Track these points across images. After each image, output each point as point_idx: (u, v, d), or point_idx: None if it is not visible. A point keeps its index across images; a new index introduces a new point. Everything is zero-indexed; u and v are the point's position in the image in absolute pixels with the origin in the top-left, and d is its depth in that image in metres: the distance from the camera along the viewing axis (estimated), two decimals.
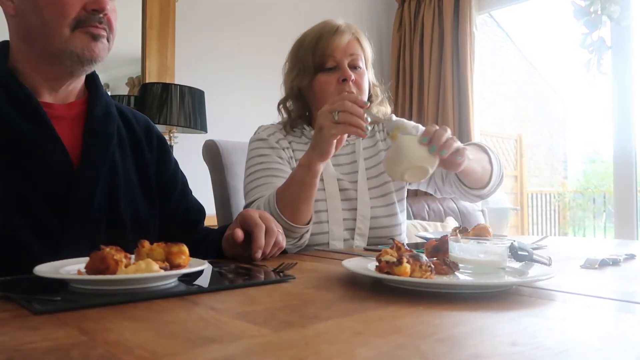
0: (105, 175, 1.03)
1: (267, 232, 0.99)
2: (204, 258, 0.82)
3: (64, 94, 1.05)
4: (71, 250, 0.89)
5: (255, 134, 1.54)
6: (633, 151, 2.78)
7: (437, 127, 1.05)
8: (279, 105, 1.59)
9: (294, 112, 1.53)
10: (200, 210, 1.28)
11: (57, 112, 1.01)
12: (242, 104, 3.03)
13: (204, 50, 2.94)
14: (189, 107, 2.46)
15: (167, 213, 1.18)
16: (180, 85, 2.47)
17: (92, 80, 1.10)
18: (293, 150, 1.48)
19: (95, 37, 0.98)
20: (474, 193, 1.42)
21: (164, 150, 1.22)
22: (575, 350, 0.46)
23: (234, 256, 1.05)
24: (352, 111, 1.11)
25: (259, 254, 0.97)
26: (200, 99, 2.53)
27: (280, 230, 1.04)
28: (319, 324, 0.53)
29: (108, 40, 1.02)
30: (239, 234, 0.98)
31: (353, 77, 1.40)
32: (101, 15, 0.98)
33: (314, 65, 1.43)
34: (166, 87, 2.44)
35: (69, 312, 0.56)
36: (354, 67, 1.43)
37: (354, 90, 1.40)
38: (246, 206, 1.40)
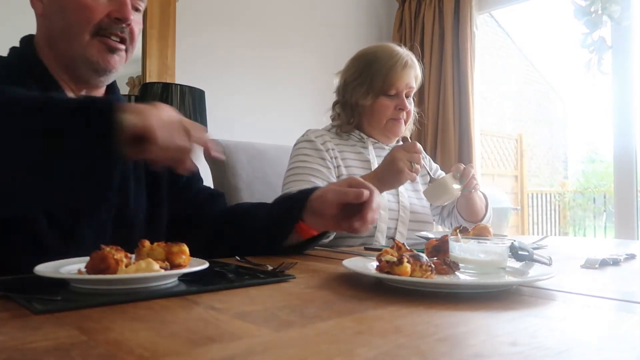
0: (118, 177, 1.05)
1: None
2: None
3: None
4: (80, 245, 0.90)
5: (303, 136, 1.69)
6: (633, 151, 2.77)
7: (464, 166, 1.47)
8: (334, 105, 1.79)
9: (346, 119, 1.72)
10: (215, 195, 1.28)
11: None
12: (242, 103, 3.03)
13: (204, 50, 2.94)
14: (190, 107, 2.46)
15: (176, 204, 1.18)
16: (180, 85, 2.47)
17: (110, 88, 1.13)
18: (339, 152, 1.65)
19: (112, 50, 1.01)
20: (471, 225, 1.65)
21: None
22: (575, 350, 0.46)
23: (316, 220, 1.03)
24: (422, 165, 1.44)
25: (370, 215, 0.96)
26: (200, 98, 2.53)
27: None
28: (319, 323, 0.53)
29: (127, 52, 1.04)
30: (366, 193, 0.96)
31: (408, 107, 1.68)
32: (123, 25, 1.00)
33: (378, 90, 1.65)
34: (166, 87, 2.44)
35: (69, 311, 0.56)
36: (407, 96, 1.69)
37: (403, 116, 1.68)
38: None
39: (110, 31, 1.00)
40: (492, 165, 7.24)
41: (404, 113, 1.68)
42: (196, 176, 1.28)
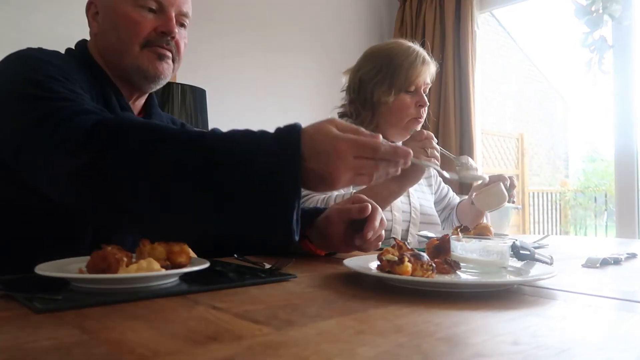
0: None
1: (381, 221, 1.00)
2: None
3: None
4: (98, 240, 0.92)
5: None
6: (634, 150, 2.77)
7: (509, 178, 1.56)
8: (350, 104, 1.72)
9: (363, 119, 1.66)
10: None
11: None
12: (243, 102, 3.03)
13: (205, 49, 2.94)
14: (191, 106, 2.46)
15: None
16: (181, 84, 2.47)
17: (149, 97, 1.22)
18: None
19: (161, 57, 1.09)
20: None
21: None
22: (576, 349, 0.46)
23: (320, 242, 1.04)
24: (437, 148, 1.40)
25: (370, 234, 0.97)
26: (201, 97, 2.53)
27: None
28: (320, 322, 0.53)
29: (174, 62, 1.12)
30: (369, 208, 0.98)
31: (427, 104, 1.66)
32: (169, 38, 1.09)
33: (399, 86, 1.62)
34: (168, 86, 2.44)
35: (71, 311, 0.56)
36: (425, 92, 1.67)
37: (423, 114, 1.65)
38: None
39: (158, 44, 1.08)
40: (493, 165, 7.24)
41: (424, 110, 1.66)
42: None
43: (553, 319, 0.57)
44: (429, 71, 1.65)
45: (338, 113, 1.76)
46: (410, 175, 1.37)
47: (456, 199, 1.92)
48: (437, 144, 1.43)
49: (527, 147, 7.65)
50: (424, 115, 1.66)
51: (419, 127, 1.65)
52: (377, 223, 0.97)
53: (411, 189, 1.64)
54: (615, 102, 2.81)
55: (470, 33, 3.34)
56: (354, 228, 0.98)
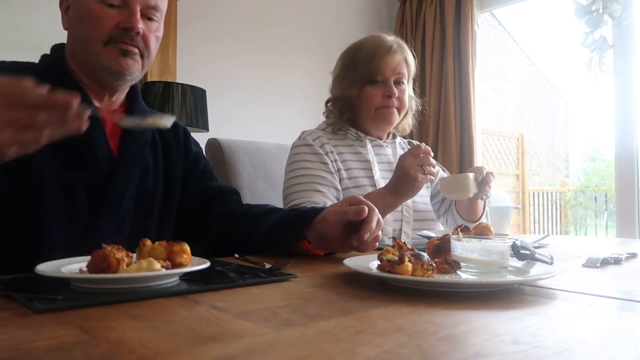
0: (138, 176, 1.12)
1: (377, 222, 0.98)
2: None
3: (106, 104, 1.14)
4: (96, 240, 0.92)
5: (299, 139, 1.66)
6: (635, 150, 2.77)
7: (487, 172, 1.49)
8: (326, 103, 1.75)
9: (339, 115, 1.69)
10: (227, 191, 1.30)
11: (101, 114, 1.08)
12: (243, 102, 3.03)
13: (205, 49, 2.94)
14: (191, 106, 2.46)
15: (189, 199, 1.23)
16: (182, 84, 2.47)
17: (132, 91, 1.19)
18: (338, 154, 1.62)
19: (125, 53, 1.05)
20: (466, 223, 1.67)
21: (187, 142, 1.30)
22: (577, 349, 0.45)
23: (320, 242, 1.03)
24: (433, 164, 1.39)
25: (367, 236, 0.95)
26: (201, 97, 2.53)
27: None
28: (320, 322, 0.53)
29: (142, 57, 1.08)
30: (365, 211, 0.95)
31: (397, 94, 1.61)
32: (132, 33, 1.05)
33: (363, 78, 1.62)
34: (168, 86, 2.44)
35: (71, 311, 0.56)
36: (397, 83, 1.64)
37: (395, 104, 1.62)
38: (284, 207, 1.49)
39: (121, 39, 1.05)
40: (494, 164, 7.24)
41: (394, 100, 1.62)
42: (209, 174, 1.32)
43: (553, 318, 0.57)
44: (396, 60, 1.61)
45: (324, 113, 1.77)
46: (406, 188, 1.39)
47: None
48: (436, 158, 1.44)
49: (528, 147, 7.65)
50: (395, 105, 1.63)
51: (391, 117, 1.64)
52: (373, 224, 0.96)
53: None
54: (616, 102, 2.81)
55: (471, 33, 3.34)
56: (351, 229, 0.97)
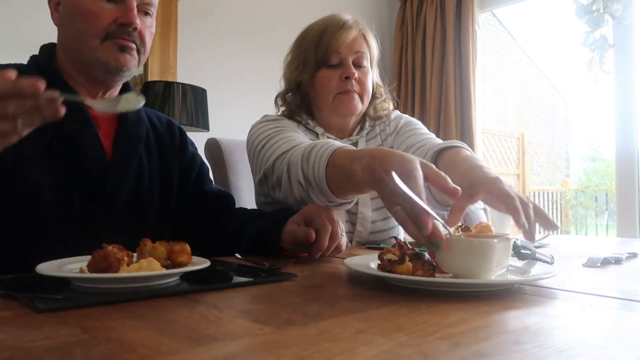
0: (132, 175, 1.11)
1: (331, 235, 0.97)
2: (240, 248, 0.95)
3: None
4: (93, 240, 0.92)
5: (259, 120, 1.45)
6: (635, 149, 2.77)
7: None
8: (276, 98, 1.54)
9: (293, 104, 1.47)
10: (221, 197, 1.29)
11: (93, 113, 1.08)
12: (244, 102, 3.03)
13: (206, 49, 2.94)
14: (191, 106, 2.46)
15: (183, 200, 1.23)
16: (182, 84, 2.47)
17: (124, 86, 1.17)
18: None
19: (123, 48, 1.04)
20: (441, 202, 1.25)
21: (184, 141, 1.29)
22: (577, 348, 0.45)
23: (290, 249, 1.02)
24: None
25: (318, 255, 0.97)
26: (202, 97, 2.53)
27: (344, 233, 1.03)
28: (321, 322, 0.53)
29: (139, 53, 1.08)
30: (312, 235, 0.94)
31: (357, 75, 1.37)
32: (130, 29, 1.04)
33: (316, 60, 1.38)
34: (168, 86, 2.44)
35: (71, 310, 0.56)
36: (358, 65, 1.39)
37: (356, 88, 1.38)
38: (267, 170, 1.24)
39: (119, 35, 1.03)
40: (494, 164, 7.24)
41: (353, 83, 1.37)
42: (205, 176, 1.32)
43: (554, 318, 0.57)
44: (352, 36, 1.37)
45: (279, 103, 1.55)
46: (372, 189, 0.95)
47: (429, 147, 1.35)
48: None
49: (528, 147, 7.66)
50: (356, 90, 1.38)
51: (351, 103, 1.39)
52: (324, 244, 0.95)
53: (361, 198, 1.37)
54: (616, 102, 2.81)
55: (471, 32, 3.34)
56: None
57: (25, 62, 1.11)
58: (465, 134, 3.33)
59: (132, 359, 0.41)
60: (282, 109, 1.51)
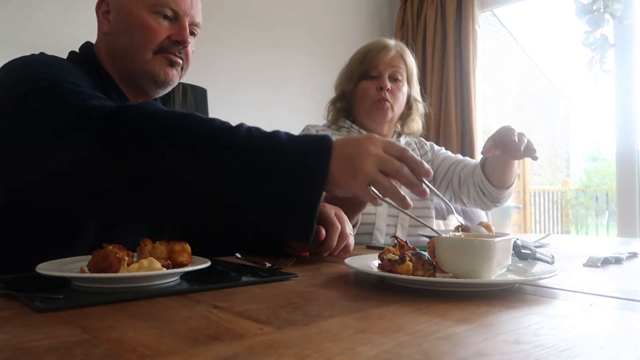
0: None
1: (340, 234, 1.00)
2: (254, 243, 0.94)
3: None
4: (94, 239, 0.96)
5: (303, 131, 1.67)
6: (636, 149, 2.77)
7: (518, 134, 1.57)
8: (328, 105, 1.80)
9: (339, 109, 1.74)
10: None
11: None
12: (244, 102, 3.03)
13: (206, 49, 2.93)
14: (192, 105, 2.46)
15: None
16: (182, 84, 2.47)
17: (159, 100, 1.21)
18: None
19: (172, 64, 1.10)
20: (495, 192, 1.57)
21: None
22: (578, 348, 0.45)
23: (297, 247, 1.04)
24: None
25: (326, 254, 0.99)
26: (202, 97, 2.53)
27: (352, 233, 1.06)
28: (321, 322, 0.53)
29: (182, 69, 1.14)
30: (322, 233, 0.97)
31: (389, 86, 1.63)
32: (181, 47, 1.10)
33: (359, 73, 1.67)
34: None
35: (72, 310, 0.56)
36: (394, 79, 1.66)
37: (389, 98, 1.63)
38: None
39: (170, 51, 1.09)
40: None
41: (386, 93, 1.63)
42: None
43: (554, 318, 0.57)
44: (390, 54, 1.66)
45: (328, 108, 1.80)
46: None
47: (469, 161, 1.71)
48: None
49: None
50: (388, 99, 1.63)
51: (383, 111, 1.64)
52: (333, 242, 0.98)
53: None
54: (617, 102, 2.81)
55: (471, 32, 3.34)
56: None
57: None
58: (466, 134, 3.33)
59: (132, 359, 0.41)
60: (331, 113, 1.77)
